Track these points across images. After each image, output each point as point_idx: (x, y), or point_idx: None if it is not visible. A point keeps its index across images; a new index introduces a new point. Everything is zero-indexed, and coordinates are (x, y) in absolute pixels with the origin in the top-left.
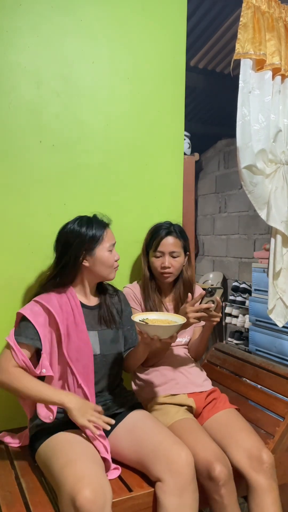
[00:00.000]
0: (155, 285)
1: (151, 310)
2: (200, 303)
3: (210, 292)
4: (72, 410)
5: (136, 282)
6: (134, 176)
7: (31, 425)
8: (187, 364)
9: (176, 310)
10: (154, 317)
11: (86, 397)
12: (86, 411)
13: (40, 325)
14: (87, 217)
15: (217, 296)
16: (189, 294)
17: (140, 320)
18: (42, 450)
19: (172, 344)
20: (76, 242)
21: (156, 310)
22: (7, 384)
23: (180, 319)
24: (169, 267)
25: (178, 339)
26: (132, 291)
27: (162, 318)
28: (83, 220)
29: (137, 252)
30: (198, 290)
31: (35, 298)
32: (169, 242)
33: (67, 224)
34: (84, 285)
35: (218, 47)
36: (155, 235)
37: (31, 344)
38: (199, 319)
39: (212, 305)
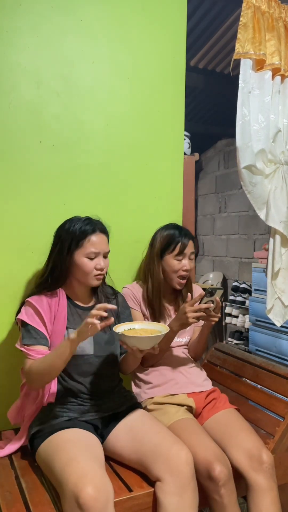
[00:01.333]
0: (165, 288)
1: (160, 313)
2: (200, 303)
3: (210, 292)
4: (76, 336)
5: (135, 282)
6: (134, 176)
7: (30, 425)
8: (187, 364)
9: (177, 310)
10: (140, 327)
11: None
12: (83, 329)
13: (39, 325)
14: (78, 218)
15: (217, 297)
16: (189, 294)
17: (126, 329)
18: (43, 449)
19: (172, 344)
20: (61, 242)
21: (161, 314)
22: (40, 379)
23: (163, 329)
24: (189, 270)
25: (178, 339)
26: (131, 292)
27: (148, 328)
28: (72, 221)
29: (137, 252)
30: (198, 290)
31: (27, 299)
32: (191, 244)
33: (64, 221)
34: (74, 285)
35: (218, 47)
36: (178, 239)
37: (36, 343)
38: (198, 318)
39: (212, 305)
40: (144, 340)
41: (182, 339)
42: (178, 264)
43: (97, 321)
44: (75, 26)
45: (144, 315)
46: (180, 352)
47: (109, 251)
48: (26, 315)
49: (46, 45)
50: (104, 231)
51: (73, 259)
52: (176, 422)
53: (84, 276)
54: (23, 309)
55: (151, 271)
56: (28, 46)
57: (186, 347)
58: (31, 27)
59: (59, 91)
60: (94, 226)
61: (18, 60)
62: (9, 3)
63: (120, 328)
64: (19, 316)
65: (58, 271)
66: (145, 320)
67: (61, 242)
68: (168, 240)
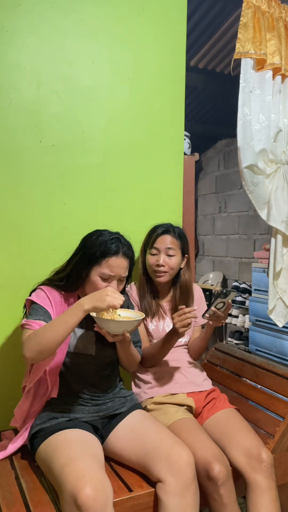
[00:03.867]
0: (151, 286)
1: (147, 311)
2: (213, 302)
3: (224, 293)
4: (90, 305)
5: (133, 283)
6: (134, 176)
7: (30, 425)
8: (187, 364)
9: (174, 312)
10: (125, 314)
11: (48, 388)
12: (100, 295)
13: (48, 306)
14: (108, 233)
15: (230, 299)
16: (182, 306)
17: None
18: (42, 449)
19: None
20: (83, 251)
21: (151, 311)
22: (37, 346)
23: (138, 316)
24: (163, 265)
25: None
26: (129, 293)
27: (131, 316)
28: (101, 234)
29: (136, 252)
30: (198, 292)
31: (40, 286)
32: (166, 240)
33: (94, 230)
34: (85, 291)
35: (218, 47)
36: (153, 233)
37: (42, 320)
38: (187, 325)
39: (218, 308)
40: (111, 323)
41: (182, 339)
42: (152, 258)
43: (120, 302)
44: (75, 26)
45: None
46: (180, 352)
47: (126, 276)
48: (37, 297)
49: (46, 45)
50: (127, 255)
51: (89, 273)
52: (176, 422)
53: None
54: (34, 293)
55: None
56: (28, 46)
57: (186, 347)
58: (31, 27)
59: (59, 91)
60: (118, 248)
61: (18, 60)
62: (9, 3)
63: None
64: (29, 297)
65: (74, 278)
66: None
67: (83, 251)
68: (149, 235)
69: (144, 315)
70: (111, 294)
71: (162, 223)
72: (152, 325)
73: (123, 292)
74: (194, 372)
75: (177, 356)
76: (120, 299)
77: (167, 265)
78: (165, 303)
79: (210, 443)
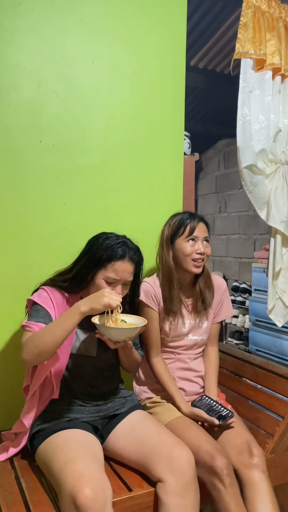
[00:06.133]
0: (177, 279)
1: (169, 308)
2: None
3: (224, 418)
4: (86, 307)
5: (156, 275)
6: (134, 176)
7: (32, 426)
8: (197, 371)
9: (195, 307)
10: (130, 320)
11: (53, 391)
12: (96, 296)
13: (50, 307)
14: (115, 236)
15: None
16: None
17: (121, 321)
18: (42, 449)
19: (186, 343)
20: (89, 254)
21: (174, 308)
22: (36, 349)
23: (141, 321)
24: (203, 253)
25: (193, 337)
26: (152, 289)
27: (133, 322)
28: (108, 237)
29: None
30: (218, 282)
31: (42, 286)
32: (203, 228)
33: (101, 233)
34: (89, 294)
35: (218, 47)
36: (187, 221)
37: (43, 322)
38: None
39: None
40: (112, 330)
41: (198, 337)
42: (191, 247)
43: (118, 302)
44: (75, 26)
45: (160, 315)
46: (193, 354)
47: (131, 281)
48: (39, 297)
49: (46, 45)
50: (133, 259)
51: (94, 276)
52: (177, 418)
53: None
54: (36, 292)
55: (161, 260)
56: (28, 46)
57: (201, 348)
58: (31, 27)
59: (59, 91)
60: (124, 252)
61: (18, 60)
62: (9, 3)
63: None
64: (31, 297)
65: (79, 281)
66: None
67: (89, 254)
68: (178, 223)
69: (146, 321)
70: (107, 295)
71: (183, 212)
72: (169, 324)
73: (131, 295)
74: (201, 382)
75: (190, 360)
76: (117, 299)
77: (206, 253)
78: (187, 299)
79: (212, 438)
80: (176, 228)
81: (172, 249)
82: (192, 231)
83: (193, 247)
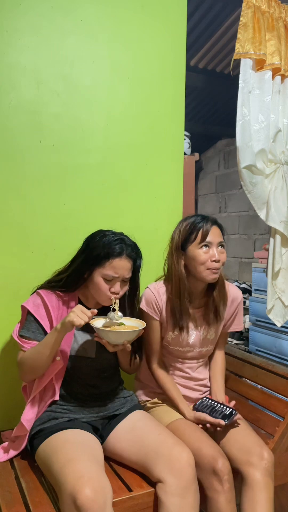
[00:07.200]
0: (188, 288)
1: (177, 321)
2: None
3: (228, 416)
4: (59, 324)
5: (162, 281)
6: (134, 176)
7: (32, 426)
8: (202, 379)
9: (205, 318)
10: (129, 323)
11: (55, 393)
12: (69, 313)
13: (43, 318)
14: (112, 234)
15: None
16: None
17: (117, 324)
18: (42, 449)
19: (192, 355)
20: (86, 252)
21: (182, 321)
22: (30, 369)
23: (140, 324)
24: (219, 260)
25: (198, 349)
26: (154, 297)
27: (131, 324)
28: (105, 235)
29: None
30: (233, 292)
31: (38, 290)
32: (217, 232)
33: (98, 231)
34: (87, 294)
35: (218, 47)
36: (199, 225)
37: (33, 338)
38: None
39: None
40: (110, 334)
41: (203, 348)
42: (205, 254)
43: (82, 321)
44: (75, 26)
45: (161, 324)
46: (197, 363)
47: (129, 277)
48: (33, 304)
49: (46, 45)
50: (131, 256)
51: (92, 274)
52: (178, 420)
53: (97, 295)
54: (31, 298)
55: (171, 268)
56: (28, 46)
57: (205, 357)
58: (31, 27)
59: (59, 91)
60: (122, 249)
61: (18, 60)
62: (9, 3)
63: (99, 322)
64: (24, 304)
65: (75, 278)
66: (161, 329)
67: (86, 252)
68: (189, 228)
69: (145, 324)
70: (76, 311)
71: (194, 214)
72: (172, 334)
73: (130, 293)
74: (205, 389)
75: (195, 375)
76: (83, 319)
77: (221, 260)
78: (196, 310)
79: (213, 441)
80: (187, 234)
81: (184, 257)
82: (205, 236)
83: (207, 254)
